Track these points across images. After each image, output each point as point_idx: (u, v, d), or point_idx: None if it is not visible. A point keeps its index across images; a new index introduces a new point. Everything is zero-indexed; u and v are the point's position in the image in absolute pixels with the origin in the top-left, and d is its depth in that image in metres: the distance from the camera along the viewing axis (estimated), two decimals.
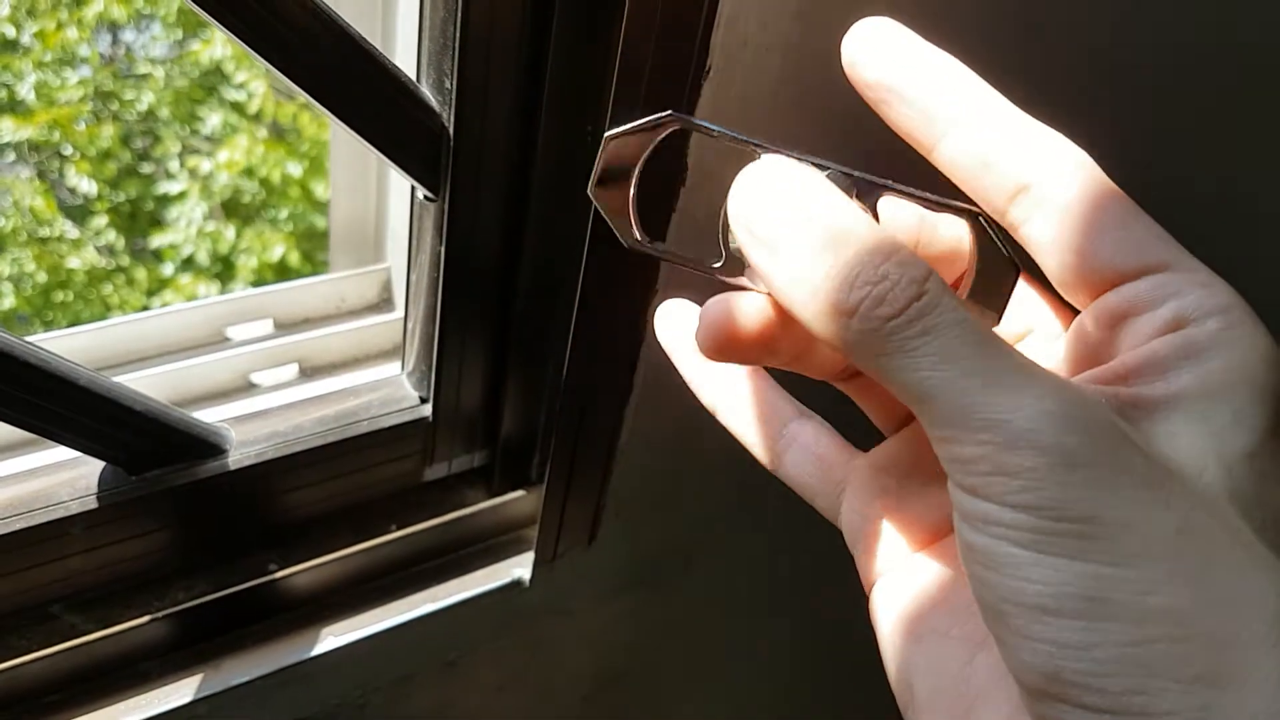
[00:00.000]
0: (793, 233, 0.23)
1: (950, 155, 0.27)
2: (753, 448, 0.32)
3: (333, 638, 0.51)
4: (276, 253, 3.45)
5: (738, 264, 0.27)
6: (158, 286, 3.54)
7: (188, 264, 3.46)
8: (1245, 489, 0.22)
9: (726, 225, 0.26)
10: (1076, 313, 0.27)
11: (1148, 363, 0.24)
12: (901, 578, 0.29)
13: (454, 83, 0.39)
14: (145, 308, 3.48)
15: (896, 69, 0.26)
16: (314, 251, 3.56)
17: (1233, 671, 0.20)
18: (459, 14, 0.37)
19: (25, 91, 3.27)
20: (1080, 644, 0.20)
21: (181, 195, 3.44)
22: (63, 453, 0.46)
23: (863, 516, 0.30)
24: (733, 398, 0.32)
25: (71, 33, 3.29)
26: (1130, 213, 0.25)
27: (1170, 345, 0.24)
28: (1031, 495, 0.21)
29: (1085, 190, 0.25)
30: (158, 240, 3.42)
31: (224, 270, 3.53)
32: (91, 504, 0.44)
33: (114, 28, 3.50)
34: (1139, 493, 0.21)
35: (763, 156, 0.25)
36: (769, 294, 0.26)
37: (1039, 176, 0.25)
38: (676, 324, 0.32)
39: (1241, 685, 0.20)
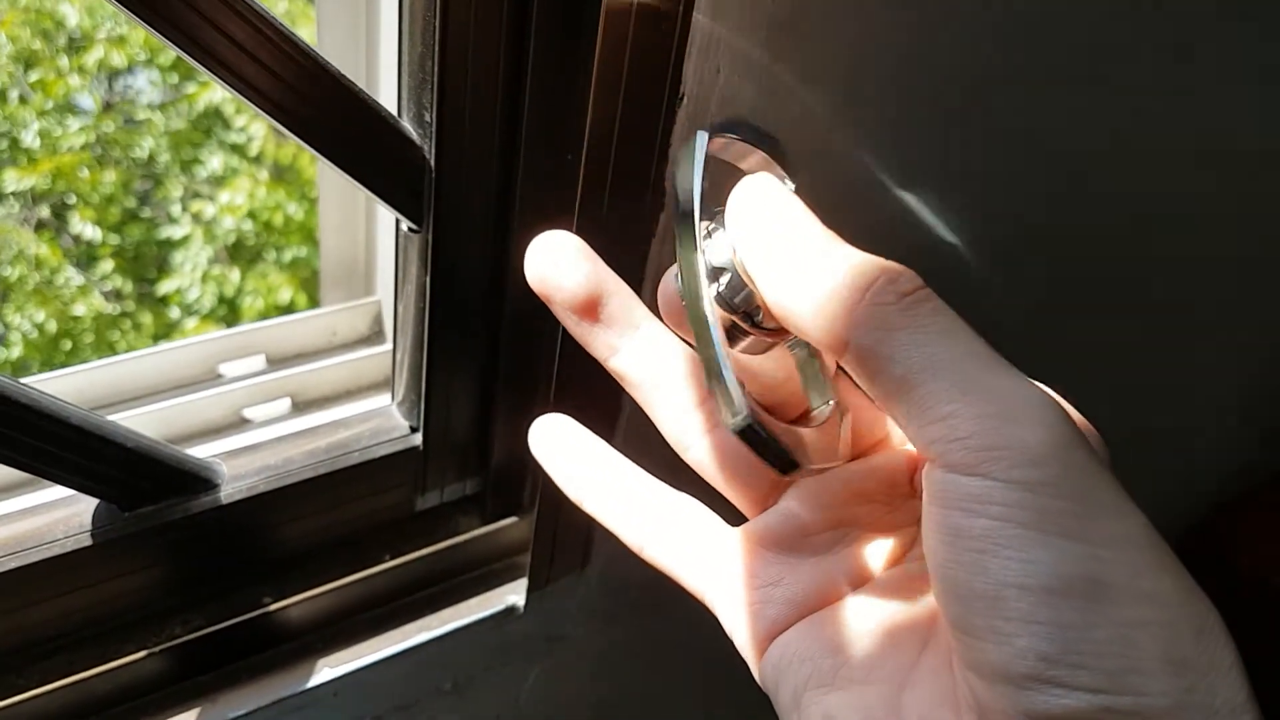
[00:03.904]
0: (809, 226, 0.25)
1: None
2: (621, 535, 0.32)
3: (329, 669, 0.51)
4: (284, 296, 3.46)
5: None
6: (165, 331, 3.55)
7: (193, 308, 3.48)
8: None
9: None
10: None
11: None
12: (797, 644, 0.28)
13: (434, 116, 0.40)
14: None
15: None
16: (319, 292, 3.56)
17: (1208, 658, 0.21)
18: (436, 49, 0.38)
19: (29, 139, 3.30)
20: (1082, 624, 0.21)
21: (185, 240, 3.46)
22: (57, 491, 0.46)
23: (741, 590, 0.30)
24: (601, 491, 0.32)
25: (73, 80, 3.33)
26: None
27: None
28: (1035, 470, 0.21)
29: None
30: (164, 286, 3.44)
31: (229, 314, 3.54)
32: (86, 541, 0.44)
33: (113, 74, 3.53)
34: (1117, 485, 0.22)
35: (750, 176, 0.27)
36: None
37: None
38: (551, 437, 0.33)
39: (1214, 671, 0.21)
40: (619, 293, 0.30)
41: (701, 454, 0.31)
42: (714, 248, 0.27)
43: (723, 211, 0.27)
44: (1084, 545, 0.21)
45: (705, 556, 0.31)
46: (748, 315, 0.27)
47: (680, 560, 0.31)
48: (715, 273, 0.27)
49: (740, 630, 0.30)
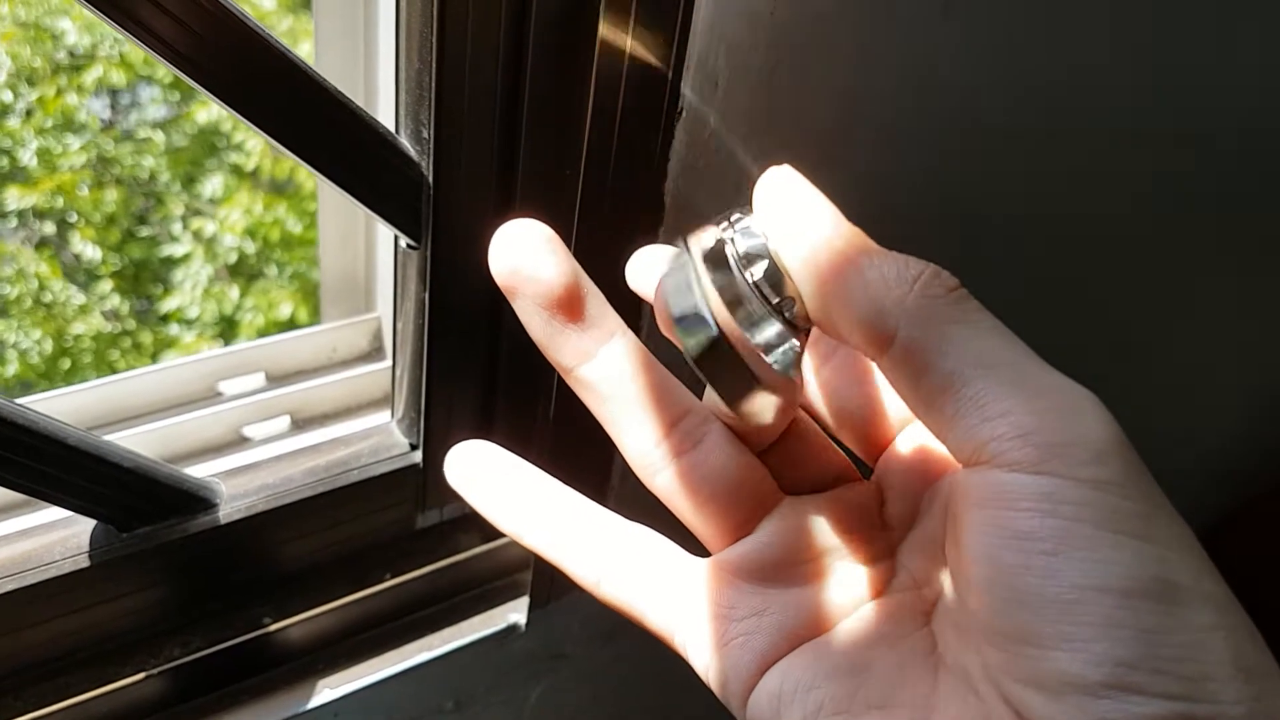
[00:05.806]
0: (843, 221, 0.24)
1: None
2: (571, 571, 0.29)
3: (329, 689, 0.51)
4: (284, 311, 3.46)
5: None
6: (164, 349, 3.55)
7: (193, 325, 3.48)
8: None
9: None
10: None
11: None
12: (800, 671, 0.26)
13: (431, 132, 0.40)
14: None
15: None
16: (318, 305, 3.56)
17: (1268, 665, 0.20)
18: (433, 66, 0.38)
19: (28, 158, 3.31)
20: (1162, 628, 0.20)
21: (186, 257, 3.47)
22: (54, 513, 0.46)
23: (724, 621, 0.28)
24: (538, 522, 0.29)
25: (71, 98, 3.33)
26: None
27: None
28: (1102, 468, 0.21)
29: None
30: (165, 304, 3.44)
31: (228, 330, 3.54)
32: (84, 563, 0.44)
33: (113, 92, 3.54)
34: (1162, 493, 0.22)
35: (777, 167, 0.26)
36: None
37: None
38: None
39: (1273, 678, 0.20)
40: (594, 293, 0.27)
41: (671, 479, 0.28)
42: (742, 237, 0.26)
43: (741, 208, 0.26)
44: (1154, 546, 0.20)
45: (671, 589, 0.29)
46: (778, 309, 0.25)
47: (642, 595, 0.29)
48: (748, 260, 0.25)
49: (723, 664, 0.27)
